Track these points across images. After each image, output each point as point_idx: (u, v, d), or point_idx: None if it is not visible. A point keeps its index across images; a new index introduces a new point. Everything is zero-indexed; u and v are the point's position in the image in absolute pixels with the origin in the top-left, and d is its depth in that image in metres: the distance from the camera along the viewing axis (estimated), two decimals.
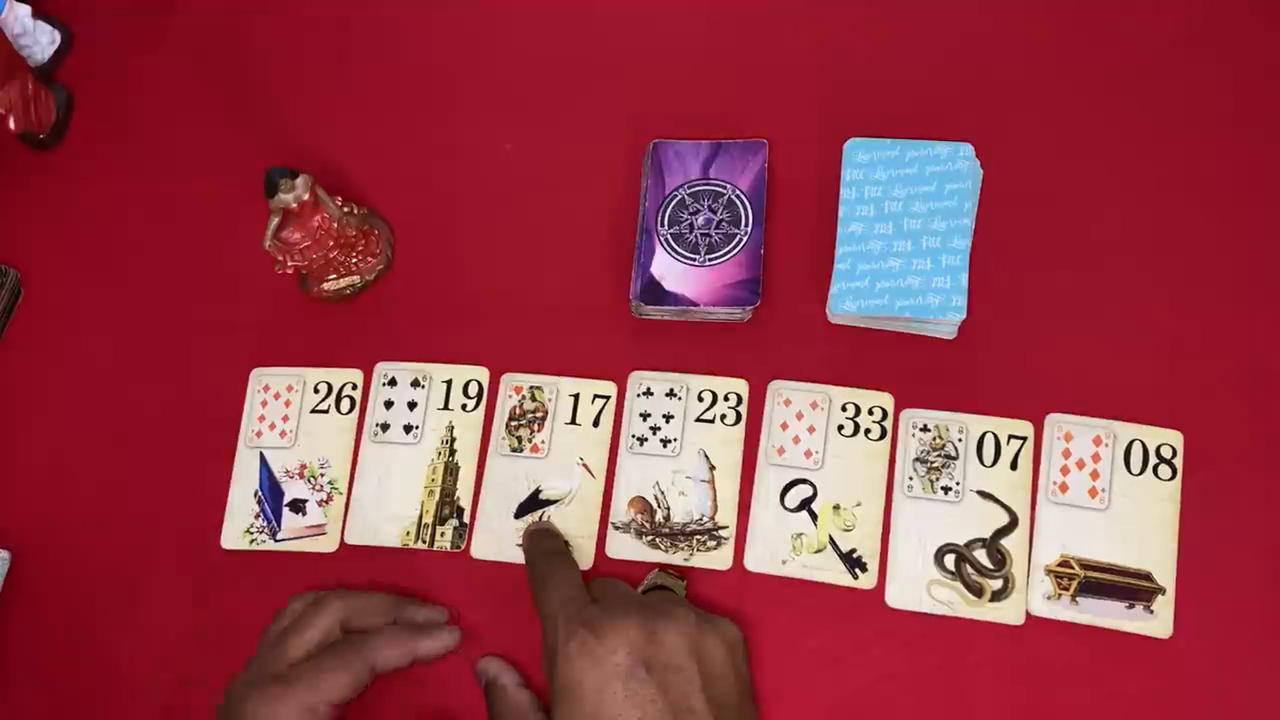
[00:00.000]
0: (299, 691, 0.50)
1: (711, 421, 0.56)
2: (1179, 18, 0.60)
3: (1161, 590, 0.51)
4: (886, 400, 0.55)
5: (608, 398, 0.58)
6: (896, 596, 0.53)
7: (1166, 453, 0.53)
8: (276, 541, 0.58)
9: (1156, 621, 0.51)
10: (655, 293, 0.57)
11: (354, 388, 0.60)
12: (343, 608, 0.53)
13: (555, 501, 0.57)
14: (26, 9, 0.66)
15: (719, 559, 0.54)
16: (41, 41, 0.68)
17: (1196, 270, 0.55)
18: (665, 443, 0.56)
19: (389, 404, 0.59)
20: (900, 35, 0.62)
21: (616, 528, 0.56)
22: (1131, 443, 0.53)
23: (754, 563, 0.54)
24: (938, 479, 0.54)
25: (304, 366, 0.61)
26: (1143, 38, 0.60)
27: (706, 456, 0.56)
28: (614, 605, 0.48)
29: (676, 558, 0.55)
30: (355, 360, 0.61)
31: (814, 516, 0.54)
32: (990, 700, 0.51)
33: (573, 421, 0.57)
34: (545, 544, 0.55)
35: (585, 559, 0.55)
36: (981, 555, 0.53)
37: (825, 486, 0.55)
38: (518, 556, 0.55)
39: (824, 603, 0.53)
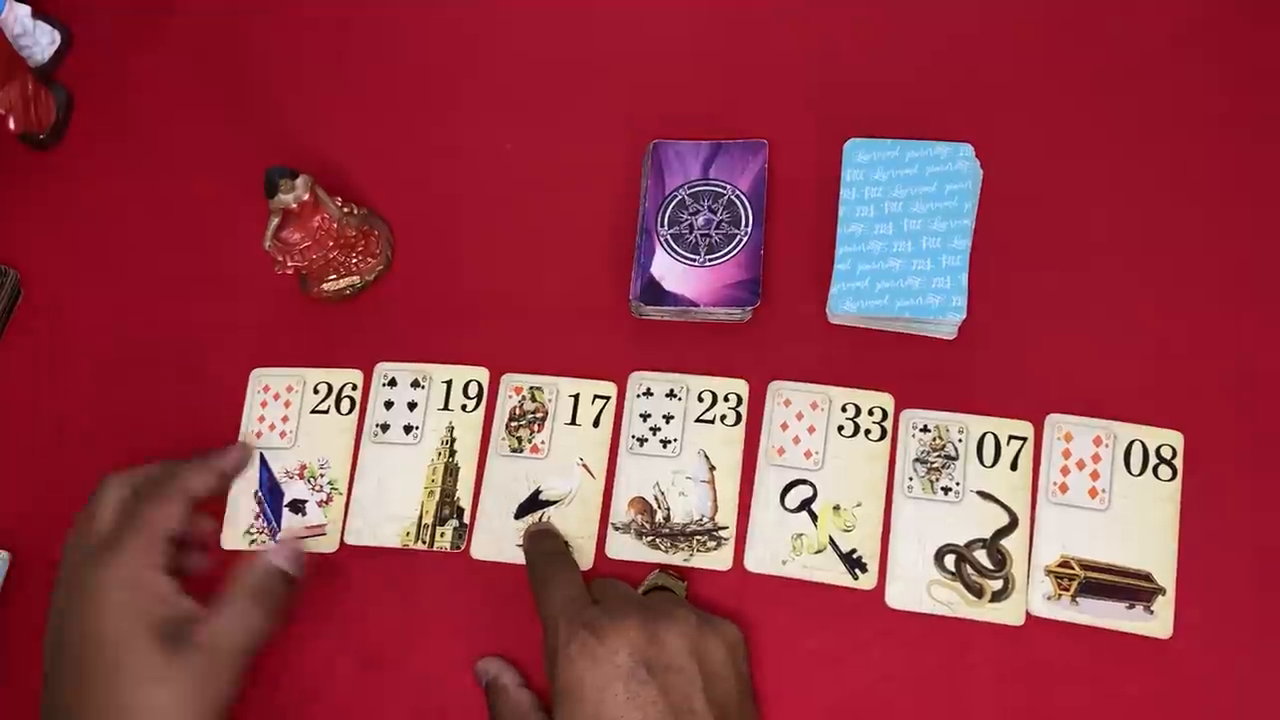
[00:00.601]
0: (130, 539, 0.50)
1: (711, 422, 0.56)
2: (1177, 17, 0.60)
3: (1161, 590, 0.51)
4: (886, 400, 0.55)
5: (608, 398, 0.58)
6: (896, 597, 0.53)
7: (1166, 453, 0.53)
8: (277, 542, 0.58)
9: (1156, 622, 0.51)
10: (655, 293, 0.57)
11: (354, 388, 0.60)
12: (125, 481, 0.54)
13: (555, 502, 0.57)
14: (26, 9, 0.66)
15: (719, 559, 0.54)
16: (41, 41, 0.68)
17: (1196, 270, 0.55)
18: (665, 443, 0.56)
19: (389, 404, 0.59)
20: (900, 35, 0.62)
21: (616, 528, 0.56)
22: (1131, 443, 0.53)
23: (754, 563, 0.54)
24: (938, 479, 0.54)
25: (304, 367, 0.61)
26: (1142, 36, 0.60)
27: (706, 457, 0.56)
28: (615, 606, 0.48)
29: (676, 558, 0.55)
30: (355, 360, 0.61)
31: (814, 517, 0.54)
32: (990, 700, 0.51)
33: (573, 422, 0.57)
34: (546, 545, 0.55)
35: (585, 559, 0.55)
36: (982, 556, 0.53)
37: (825, 487, 0.55)
38: (518, 557, 0.55)
39: (824, 603, 0.53)
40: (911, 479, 0.54)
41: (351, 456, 0.59)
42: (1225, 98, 0.58)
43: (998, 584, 0.52)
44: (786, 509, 0.55)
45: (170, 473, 0.54)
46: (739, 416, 0.56)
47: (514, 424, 0.58)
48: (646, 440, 0.57)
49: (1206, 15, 0.59)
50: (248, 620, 0.50)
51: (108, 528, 0.52)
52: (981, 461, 0.54)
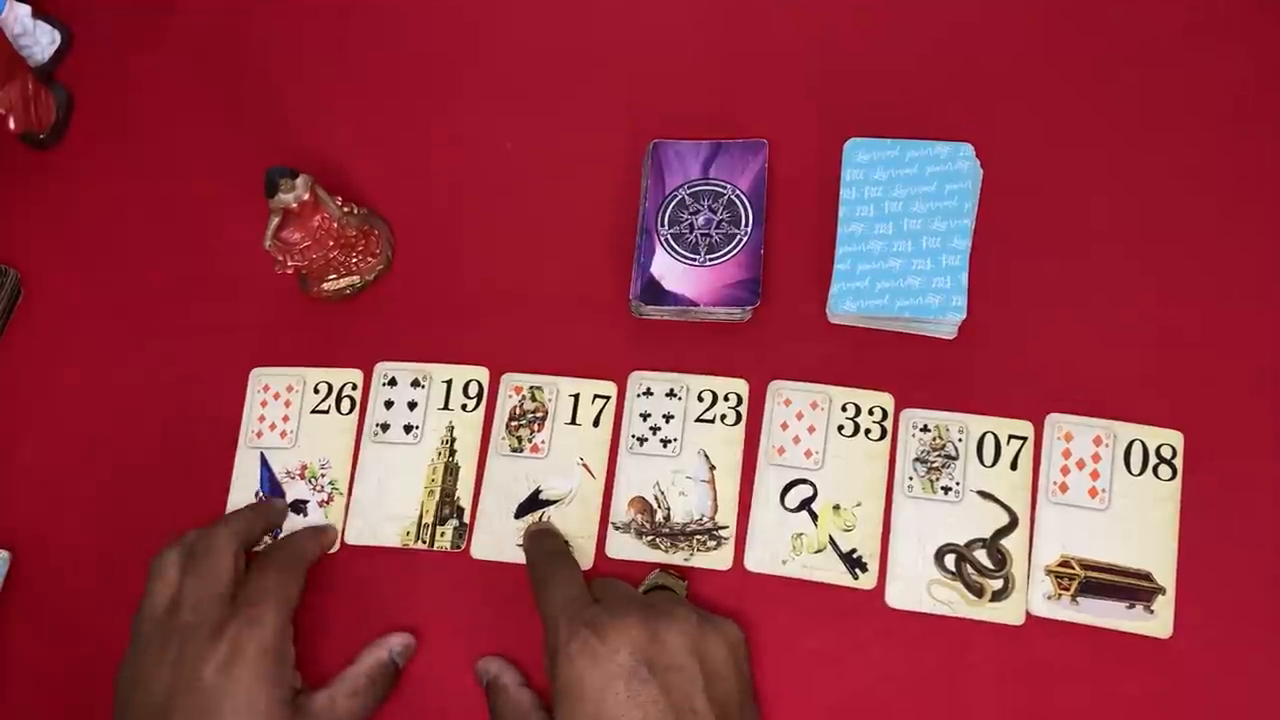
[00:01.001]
0: (273, 611, 0.50)
1: (711, 421, 0.56)
2: (1183, 4, 0.59)
3: (1161, 590, 0.51)
4: (886, 400, 0.55)
5: (608, 398, 0.58)
6: (897, 596, 0.53)
7: (1166, 453, 0.53)
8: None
9: (1156, 621, 0.51)
10: (655, 293, 0.57)
11: (354, 388, 0.60)
12: (234, 535, 0.54)
13: (555, 502, 0.57)
14: (26, 9, 0.66)
15: (719, 559, 0.54)
16: (41, 41, 0.68)
17: (1197, 270, 0.55)
18: (665, 443, 0.56)
19: (389, 404, 0.59)
20: (901, 25, 0.62)
21: (617, 528, 0.56)
22: (1132, 443, 0.53)
23: (754, 563, 0.54)
24: (938, 479, 0.54)
25: (304, 367, 0.61)
26: (1145, 24, 0.60)
27: (706, 456, 0.56)
28: (616, 605, 0.48)
29: (676, 558, 0.55)
30: (355, 360, 0.61)
31: (814, 516, 0.54)
32: (990, 700, 0.51)
33: (573, 422, 0.57)
34: (546, 544, 0.55)
35: (585, 559, 0.55)
36: (982, 555, 0.53)
37: (825, 486, 0.55)
38: (518, 556, 0.56)
39: (824, 603, 0.53)
40: (911, 479, 0.54)
41: (352, 456, 0.59)
42: (1230, 87, 0.58)
43: (998, 584, 0.52)
44: (786, 509, 0.55)
45: (292, 543, 0.56)
46: (739, 416, 0.56)
47: (514, 423, 0.58)
48: (646, 440, 0.57)
49: (1212, 3, 0.59)
50: (359, 701, 0.52)
51: (226, 587, 0.51)
52: (981, 461, 0.54)
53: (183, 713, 0.48)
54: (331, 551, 0.57)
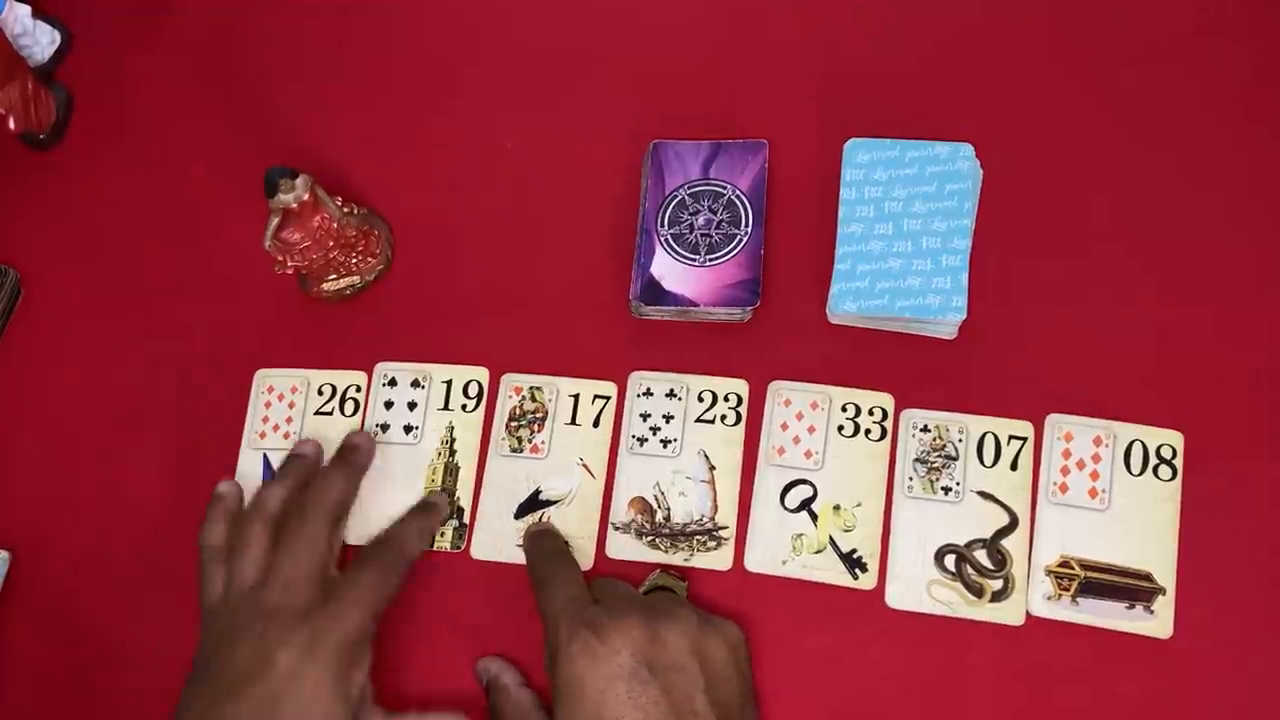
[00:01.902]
0: (359, 609, 0.49)
1: (711, 422, 0.56)
2: (1183, 4, 0.59)
3: (1161, 590, 0.51)
4: (886, 400, 0.55)
5: (608, 398, 0.58)
6: (896, 597, 0.53)
7: (1166, 453, 0.53)
8: None
9: (1156, 621, 0.51)
10: (655, 293, 0.57)
11: (358, 390, 0.60)
12: (329, 508, 0.53)
13: (555, 502, 0.57)
14: (26, 9, 0.66)
15: (719, 559, 0.54)
16: (41, 41, 0.68)
17: (1198, 270, 0.55)
18: (665, 443, 0.56)
19: (389, 404, 0.59)
20: (900, 35, 0.62)
21: (616, 528, 0.56)
22: (1132, 443, 0.53)
23: (754, 563, 0.54)
24: (938, 479, 0.54)
25: (307, 368, 0.61)
26: (1146, 24, 0.60)
27: (706, 457, 0.56)
28: (616, 605, 0.48)
29: (676, 558, 0.55)
30: (355, 360, 0.61)
31: (814, 517, 0.54)
32: (990, 700, 0.51)
33: (573, 422, 0.57)
34: (546, 544, 0.55)
35: (585, 559, 0.55)
36: (982, 556, 0.53)
37: (825, 487, 0.55)
38: (518, 557, 0.56)
39: (824, 603, 0.53)
40: (911, 479, 0.54)
41: None
42: (1230, 87, 0.58)
43: (998, 584, 0.52)
44: (786, 509, 0.55)
45: (398, 542, 0.54)
46: (739, 416, 0.56)
47: (514, 424, 0.58)
48: (646, 440, 0.57)
49: (1211, 3, 0.59)
50: None
51: (320, 568, 0.51)
52: (981, 461, 0.54)
53: (249, 694, 0.47)
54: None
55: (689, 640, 0.47)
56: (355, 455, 0.56)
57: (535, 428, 0.58)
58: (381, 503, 0.58)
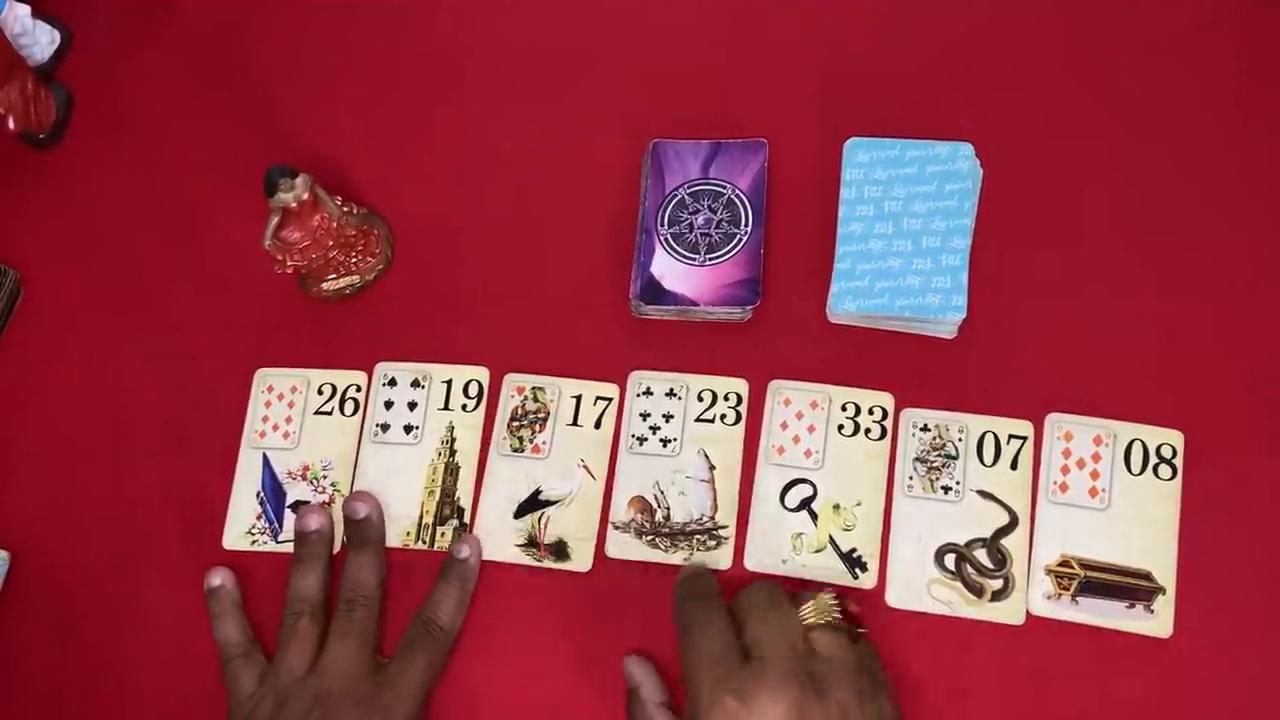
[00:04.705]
0: (398, 704, 0.51)
1: (711, 421, 0.56)
2: (1185, 3, 0.59)
3: (1161, 590, 0.51)
4: (886, 400, 0.55)
5: (610, 400, 0.58)
6: (897, 596, 0.53)
7: (1167, 452, 0.53)
8: (278, 543, 0.58)
9: (1156, 621, 0.51)
10: (655, 292, 0.57)
11: (358, 389, 0.60)
12: (379, 592, 0.55)
13: (555, 502, 0.57)
14: (26, 9, 0.66)
15: (719, 559, 0.54)
16: (41, 41, 0.68)
17: (1198, 270, 0.55)
18: (665, 442, 0.56)
19: (389, 404, 0.59)
20: (900, 35, 0.62)
21: (616, 527, 0.56)
22: (1132, 443, 0.53)
23: (754, 562, 0.54)
24: (938, 479, 0.54)
25: (307, 368, 0.61)
26: (1148, 23, 0.60)
27: (706, 456, 0.56)
28: (769, 671, 0.45)
29: (676, 557, 0.55)
30: (355, 360, 0.61)
31: (814, 516, 0.54)
32: (990, 700, 0.51)
33: (574, 423, 0.57)
34: (698, 586, 0.51)
35: (585, 559, 0.55)
36: (982, 555, 0.53)
37: (825, 486, 0.55)
38: (517, 557, 0.56)
39: None
40: (911, 478, 0.54)
41: (354, 458, 0.59)
42: (1229, 86, 0.58)
43: (998, 583, 0.52)
44: (786, 508, 0.55)
45: (441, 627, 0.54)
46: (739, 416, 0.56)
47: (515, 424, 0.58)
48: (646, 439, 0.57)
49: (1211, 2, 0.59)
50: None
51: (373, 658, 0.53)
52: (981, 461, 0.54)
53: None
54: (334, 551, 0.57)
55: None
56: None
57: (537, 428, 0.58)
58: (383, 502, 0.58)
